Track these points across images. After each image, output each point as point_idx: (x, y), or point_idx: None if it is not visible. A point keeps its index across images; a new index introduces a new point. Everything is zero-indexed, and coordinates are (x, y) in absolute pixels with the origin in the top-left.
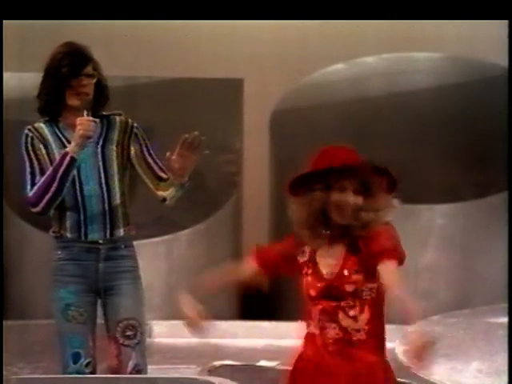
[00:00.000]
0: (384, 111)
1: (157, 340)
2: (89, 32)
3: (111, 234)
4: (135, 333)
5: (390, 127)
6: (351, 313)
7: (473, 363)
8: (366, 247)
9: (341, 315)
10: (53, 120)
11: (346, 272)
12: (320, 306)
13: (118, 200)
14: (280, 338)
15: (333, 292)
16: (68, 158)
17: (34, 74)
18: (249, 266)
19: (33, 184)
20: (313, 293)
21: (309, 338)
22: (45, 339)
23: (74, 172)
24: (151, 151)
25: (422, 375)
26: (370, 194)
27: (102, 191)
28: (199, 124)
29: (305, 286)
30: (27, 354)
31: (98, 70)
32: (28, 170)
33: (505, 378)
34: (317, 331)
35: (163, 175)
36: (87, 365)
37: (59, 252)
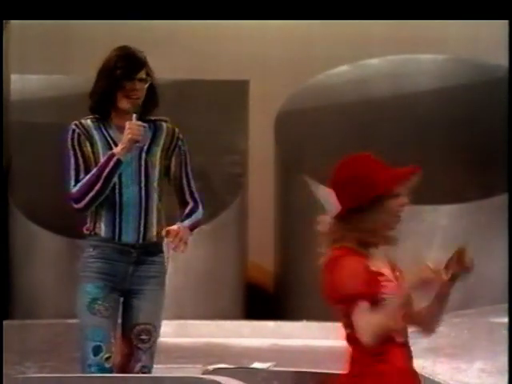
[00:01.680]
0: (388, 112)
1: (163, 340)
2: (93, 34)
3: (144, 239)
4: (149, 337)
5: (395, 128)
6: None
7: (476, 363)
8: None
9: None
10: (101, 119)
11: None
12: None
13: (154, 206)
14: (285, 338)
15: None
16: (114, 160)
17: (38, 77)
18: None
19: (77, 180)
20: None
21: (396, 348)
22: (51, 339)
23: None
24: (189, 170)
25: (425, 374)
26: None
27: (141, 196)
28: (205, 125)
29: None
30: (34, 354)
31: (151, 75)
32: (72, 166)
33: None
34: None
35: (190, 202)
36: (107, 359)
37: (91, 250)
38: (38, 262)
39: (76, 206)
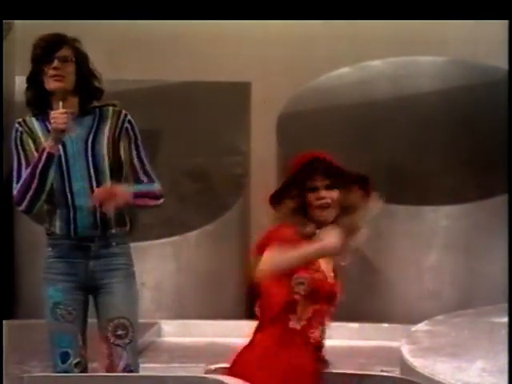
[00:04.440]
0: (389, 114)
1: (166, 339)
2: (95, 35)
3: (102, 232)
4: (126, 332)
5: (395, 130)
6: (327, 318)
7: (477, 362)
8: None
9: (326, 319)
10: (40, 112)
11: (334, 277)
12: (317, 306)
13: None
14: None
15: (330, 295)
16: (45, 154)
17: None
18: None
19: (18, 181)
20: (321, 291)
21: (287, 332)
22: None
23: (64, 168)
24: (141, 152)
25: (426, 374)
26: (344, 188)
27: (92, 189)
28: (207, 127)
29: (313, 282)
30: (39, 353)
31: (79, 56)
32: (15, 166)
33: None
34: (299, 328)
35: (144, 179)
36: (76, 364)
37: (49, 249)
38: (41, 262)
39: (19, 208)
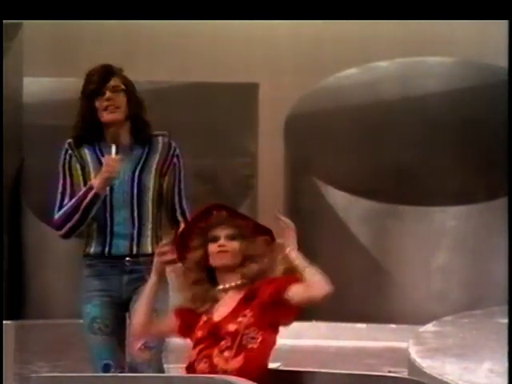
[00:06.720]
0: (397, 115)
1: (173, 340)
2: (104, 36)
3: (137, 255)
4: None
5: (403, 131)
6: (226, 353)
7: (485, 363)
8: (262, 294)
9: (215, 352)
10: (92, 143)
11: (233, 314)
12: (201, 346)
13: (149, 225)
14: (294, 338)
15: (215, 331)
16: (92, 193)
17: (53, 79)
18: (171, 327)
19: (60, 206)
20: (199, 334)
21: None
22: (64, 338)
23: (107, 195)
24: (182, 188)
25: (434, 374)
26: (247, 239)
27: (133, 218)
28: (215, 128)
29: (195, 330)
30: (46, 353)
31: (128, 85)
32: (60, 189)
33: None
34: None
35: (181, 223)
36: None
37: (86, 270)
38: (49, 262)
39: (58, 232)
